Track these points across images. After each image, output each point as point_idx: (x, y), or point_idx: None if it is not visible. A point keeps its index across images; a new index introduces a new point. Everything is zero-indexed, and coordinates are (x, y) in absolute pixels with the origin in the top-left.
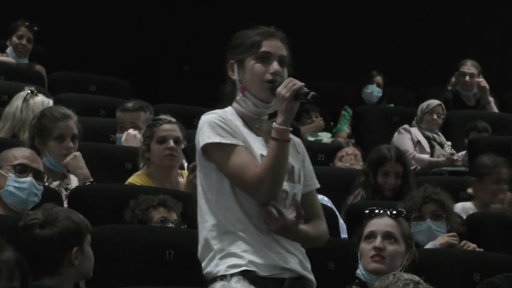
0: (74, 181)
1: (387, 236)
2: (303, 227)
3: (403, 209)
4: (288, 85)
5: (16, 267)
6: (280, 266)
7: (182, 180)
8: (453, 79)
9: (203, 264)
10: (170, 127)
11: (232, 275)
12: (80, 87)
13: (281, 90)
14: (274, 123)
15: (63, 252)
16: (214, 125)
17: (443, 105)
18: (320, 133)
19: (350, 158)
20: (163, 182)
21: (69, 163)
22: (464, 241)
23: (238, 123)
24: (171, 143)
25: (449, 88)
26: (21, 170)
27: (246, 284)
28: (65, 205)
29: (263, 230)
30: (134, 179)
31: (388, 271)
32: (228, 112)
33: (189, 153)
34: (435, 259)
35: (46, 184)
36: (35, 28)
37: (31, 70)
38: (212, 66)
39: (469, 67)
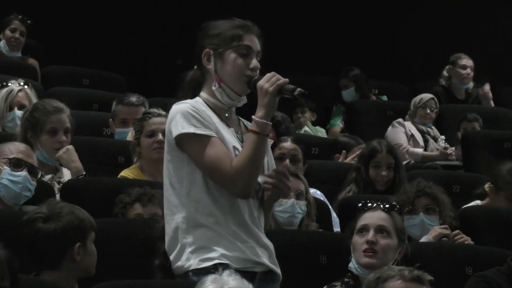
0: (66, 175)
1: (380, 229)
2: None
3: (396, 203)
4: (272, 80)
5: (6, 266)
6: (252, 260)
7: None
8: (445, 73)
9: (171, 258)
10: (159, 120)
11: (204, 268)
12: (73, 81)
13: (264, 84)
14: (253, 116)
15: (65, 247)
16: (188, 115)
17: (435, 99)
18: (315, 128)
19: None
20: (154, 175)
21: (61, 156)
22: (457, 231)
23: (210, 113)
24: (160, 136)
25: (443, 82)
26: (16, 164)
27: (238, 278)
28: (57, 198)
29: (235, 223)
30: (127, 172)
31: (381, 265)
32: (199, 102)
33: None
34: (427, 253)
35: (39, 177)
36: (28, 22)
37: (24, 64)
38: None
39: (468, 60)
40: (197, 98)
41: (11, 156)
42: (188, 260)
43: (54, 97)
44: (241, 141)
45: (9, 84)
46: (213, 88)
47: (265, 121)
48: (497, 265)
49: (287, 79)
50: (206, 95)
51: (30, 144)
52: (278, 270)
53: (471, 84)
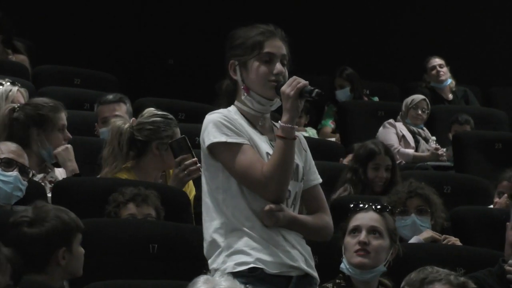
0: (58, 174)
1: (372, 230)
2: (302, 217)
3: (388, 204)
4: (293, 84)
5: (9, 264)
6: (288, 264)
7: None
8: (423, 81)
9: (209, 261)
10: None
11: (239, 272)
12: (64, 80)
13: (286, 88)
14: (279, 121)
15: (49, 252)
16: (219, 124)
17: (427, 100)
18: (307, 129)
19: None
20: (149, 176)
21: (59, 154)
22: (443, 236)
23: (243, 122)
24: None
25: (424, 85)
26: (7, 164)
27: (230, 278)
28: (49, 195)
29: (271, 228)
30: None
31: (372, 265)
32: (232, 111)
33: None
34: (419, 253)
35: (30, 176)
36: None
37: (15, 63)
38: (196, 60)
39: (433, 59)
40: (231, 107)
41: (2, 156)
42: (224, 263)
43: (46, 96)
44: None
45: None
46: (243, 97)
47: (290, 125)
48: (488, 266)
49: (306, 82)
50: (239, 104)
51: (27, 141)
52: (315, 274)
53: (449, 81)
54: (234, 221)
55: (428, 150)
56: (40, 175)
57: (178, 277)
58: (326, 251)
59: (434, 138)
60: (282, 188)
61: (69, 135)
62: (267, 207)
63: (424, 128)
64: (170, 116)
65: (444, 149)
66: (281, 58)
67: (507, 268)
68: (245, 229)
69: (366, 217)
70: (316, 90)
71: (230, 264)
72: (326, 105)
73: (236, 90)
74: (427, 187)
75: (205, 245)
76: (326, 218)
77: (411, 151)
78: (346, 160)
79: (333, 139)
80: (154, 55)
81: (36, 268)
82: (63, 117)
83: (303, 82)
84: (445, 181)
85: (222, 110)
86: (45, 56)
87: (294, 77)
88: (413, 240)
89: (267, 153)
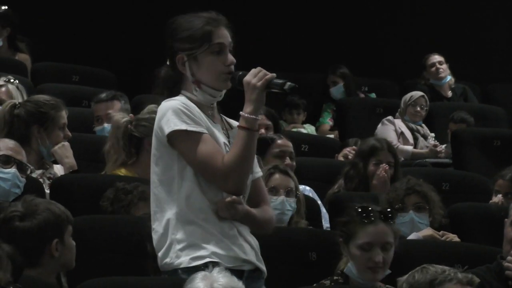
0: (57, 171)
1: (385, 247)
2: (253, 210)
3: (390, 209)
4: (259, 75)
5: (9, 260)
6: (241, 258)
7: None
8: (422, 78)
9: (159, 254)
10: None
11: (195, 267)
12: (63, 77)
13: (251, 79)
14: (241, 112)
15: (43, 244)
16: (179, 111)
17: (426, 96)
18: (305, 126)
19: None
20: (147, 173)
21: (56, 151)
22: (442, 232)
23: (198, 110)
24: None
25: (423, 82)
26: (5, 161)
27: (228, 275)
28: (47, 192)
29: (223, 220)
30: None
31: (384, 274)
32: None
33: None
34: (417, 250)
35: (29, 173)
36: None
37: (14, 60)
38: None
39: (433, 56)
40: (179, 97)
41: (0, 153)
42: (178, 257)
43: (44, 93)
44: (228, 137)
45: None
46: (194, 92)
47: (254, 117)
48: (486, 263)
49: (274, 74)
50: (189, 94)
51: (27, 139)
52: (264, 268)
53: (449, 78)
54: (187, 212)
55: (427, 147)
56: (39, 172)
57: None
58: (324, 248)
59: (432, 135)
60: (243, 180)
61: (69, 133)
62: (228, 199)
63: (423, 125)
64: None
65: (443, 146)
66: (229, 46)
67: (506, 264)
68: (199, 221)
69: (378, 233)
70: (289, 83)
71: (185, 259)
72: (324, 103)
73: (180, 80)
74: (425, 184)
75: (155, 237)
76: (270, 211)
77: (409, 147)
78: (341, 155)
79: (331, 136)
80: (153, 53)
81: (30, 262)
82: (64, 115)
83: (270, 74)
84: (444, 178)
85: (178, 98)
86: (44, 53)
87: (259, 68)
88: (412, 237)
89: (224, 143)
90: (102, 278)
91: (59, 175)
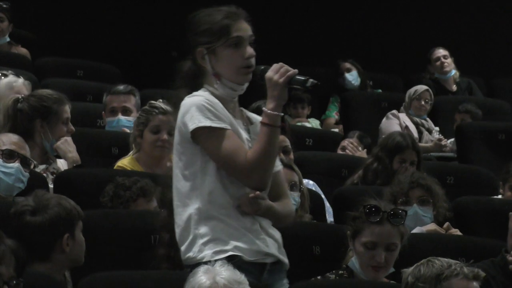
0: (60, 165)
1: (390, 247)
2: (276, 205)
3: (399, 209)
4: (281, 71)
5: (13, 255)
6: (263, 251)
7: (170, 164)
8: (427, 73)
9: (182, 248)
10: (165, 118)
11: (218, 260)
12: (67, 72)
13: (273, 75)
14: (263, 108)
15: (54, 239)
16: (203, 108)
17: (430, 90)
18: (310, 120)
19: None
20: (152, 167)
21: (58, 147)
22: (447, 224)
23: (221, 106)
24: (164, 134)
25: (427, 76)
26: (9, 155)
27: (231, 268)
28: (51, 186)
29: (247, 215)
30: (123, 162)
31: (386, 274)
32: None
33: None
34: (421, 244)
35: (32, 167)
36: (4, 6)
37: (17, 55)
38: None
39: (438, 50)
40: (202, 92)
41: (3, 148)
42: (200, 251)
43: (48, 88)
44: (248, 132)
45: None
46: (215, 85)
47: (277, 113)
48: (491, 257)
49: (296, 70)
50: (211, 88)
51: (30, 133)
52: (286, 260)
53: (453, 72)
54: (209, 207)
55: (432, 141)
56: (42, 166)
57: (180, 267)
58: (328, 242)
59: (437, 128)
60: (266, 175)
61: (72, 128)
62: (252, 194)
63: (428, 119)
64: (157, 104)
65: (449, 141)
66: (249, 39)
67: (510, 258)
68: (221, 216)
69: (383, 234)
70: (311, 80)
71: (208, 253)
72: (331, 96)
73: (200, 74)
74: (429, 178)
75: (177, 230)
76: (290, 205)
77: None
78: (340, 147)
79: (336, 130)
80: (158, 48)
81: (41, 257)
82: (67, 110)
83: (292, 70)
84: (449, 172)
85: (201, 93)
86: (48, 48)
87: (281, 63)
88: (416, 231)
89: (246, 139)
90: (107, 272)
91: (63, 170)
